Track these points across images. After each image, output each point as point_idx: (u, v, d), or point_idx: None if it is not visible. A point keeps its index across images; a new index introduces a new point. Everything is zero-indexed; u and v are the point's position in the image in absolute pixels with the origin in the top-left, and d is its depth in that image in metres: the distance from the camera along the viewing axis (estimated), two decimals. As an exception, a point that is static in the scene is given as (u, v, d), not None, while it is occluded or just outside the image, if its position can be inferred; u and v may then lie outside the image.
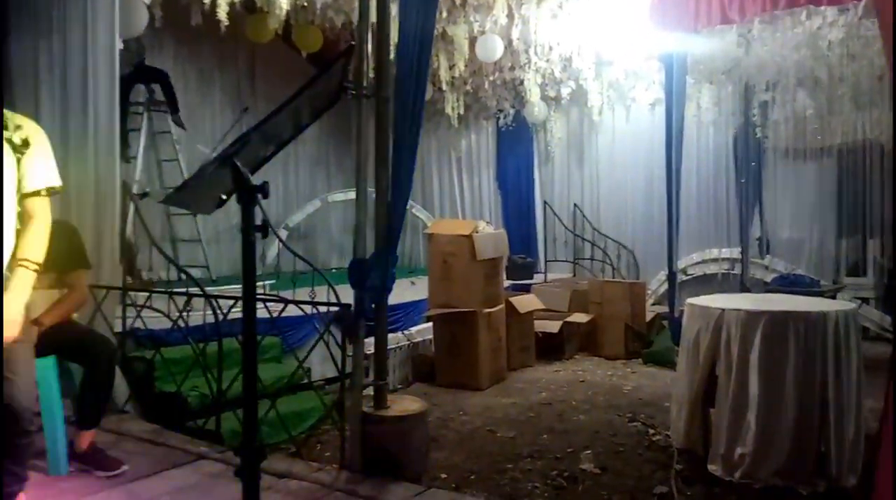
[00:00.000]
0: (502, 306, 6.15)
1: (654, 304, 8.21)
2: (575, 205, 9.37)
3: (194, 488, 3.11)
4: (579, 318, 7.04)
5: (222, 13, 5.91)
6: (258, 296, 2.21)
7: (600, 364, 6.64)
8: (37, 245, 2.24)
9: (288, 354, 5.00)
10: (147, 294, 4.60)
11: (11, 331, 2.18)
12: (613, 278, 8.63)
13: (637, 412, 4.95)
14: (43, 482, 3.08)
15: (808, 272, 7.65)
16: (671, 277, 6.92)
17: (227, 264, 7.85)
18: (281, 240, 5.32)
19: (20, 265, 2.19)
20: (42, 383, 3.17)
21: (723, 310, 3.65)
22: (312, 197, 8.84)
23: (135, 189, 6.08)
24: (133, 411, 4.26)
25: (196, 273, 5.03)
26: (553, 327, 6.82)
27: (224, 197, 1.62)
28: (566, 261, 9.41)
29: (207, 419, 3.98)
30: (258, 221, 1.52)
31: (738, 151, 8.10)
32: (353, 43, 3.49)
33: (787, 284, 7.15)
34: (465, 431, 4.62)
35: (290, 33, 7.51)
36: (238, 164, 1.45)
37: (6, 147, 2.17)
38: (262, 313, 3.82)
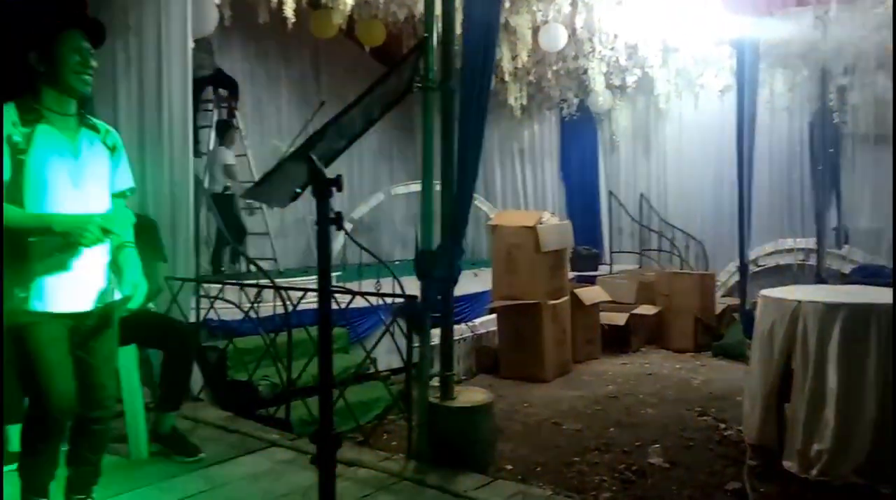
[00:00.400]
0: (567, 297, 6.10)
1: (723, 296, 8.00)
2: (641, 195, 9.19)
3: (268, 474, 3.19)
4: (646, 310, 6.93)
5: (289, 10, 6.00)
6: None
7: (668, 357, 6.53)
8: (131, 232, 2.55)
9: (354, 344, 5.08)
10: (220, 286, 4.75)
11: (140, 296, 2.43)
12: (682, 269, 8.44)
13: (707, 407, 4.84)
14: (124, 466, 3.22)
15: (889, 263, 7.32)
16: (742, 268, 6.72)
17: (294, 257, 8.03)
18: (347, 233, 5.39)
19: (126, 246, 2.47)
20: (123, 371, 3.30)
21: (799, 302, 3.54)
22: (376, 190, 8.91)
23: (206, 184, 6.25)
24: (206, 399, 4.41)
25: (264, 266, 5.16)
26: (619, 319, 6.73)
27: (298, 190, 1.65)
28: (632, 252, 9.25)
29: (278, 408, 4.08)
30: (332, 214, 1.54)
31: (814, 137, 7.80)
32: (426, 35, 3.49)
33: (867, 275, 6.85)
34: (530, 423, 4.60)
35: (354, 28, 7.58)
36: (314, 157, 1.47)
37: (103, 148, 2.45)
38: (330, 304, 3.89)
